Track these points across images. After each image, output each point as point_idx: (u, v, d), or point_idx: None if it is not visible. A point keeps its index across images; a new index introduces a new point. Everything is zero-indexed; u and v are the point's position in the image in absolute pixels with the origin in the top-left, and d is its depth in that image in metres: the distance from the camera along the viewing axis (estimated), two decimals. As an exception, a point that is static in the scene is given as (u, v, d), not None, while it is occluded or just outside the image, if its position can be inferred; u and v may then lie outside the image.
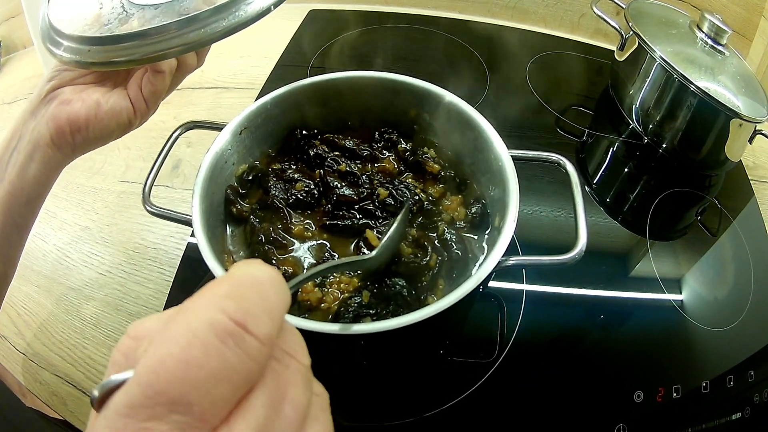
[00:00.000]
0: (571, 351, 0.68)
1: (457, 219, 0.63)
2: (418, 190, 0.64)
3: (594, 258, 0.75)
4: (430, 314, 0.48)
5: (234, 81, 1.04)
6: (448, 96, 0.66)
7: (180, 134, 0.65)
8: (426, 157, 0.67)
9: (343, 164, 0.65)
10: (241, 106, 0.98)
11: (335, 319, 0.55)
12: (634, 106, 0.87)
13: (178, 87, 1.04)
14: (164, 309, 0.70)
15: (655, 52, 0.77)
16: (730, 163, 0.85)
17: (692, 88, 0.73)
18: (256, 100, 0.99)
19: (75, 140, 0.50)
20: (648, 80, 0.82)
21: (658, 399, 0.61)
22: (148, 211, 0.60)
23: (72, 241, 0.81)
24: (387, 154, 0.69)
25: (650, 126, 0.85)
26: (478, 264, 0.60)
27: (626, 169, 0.88)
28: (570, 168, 0.61)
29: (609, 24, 0.88)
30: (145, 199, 0.60)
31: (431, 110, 0.68)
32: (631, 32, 0.83)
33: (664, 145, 0.84)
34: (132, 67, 0.52)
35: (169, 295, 0.72)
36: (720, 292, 0.74)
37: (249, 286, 0.22)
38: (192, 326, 0.19)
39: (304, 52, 1.08)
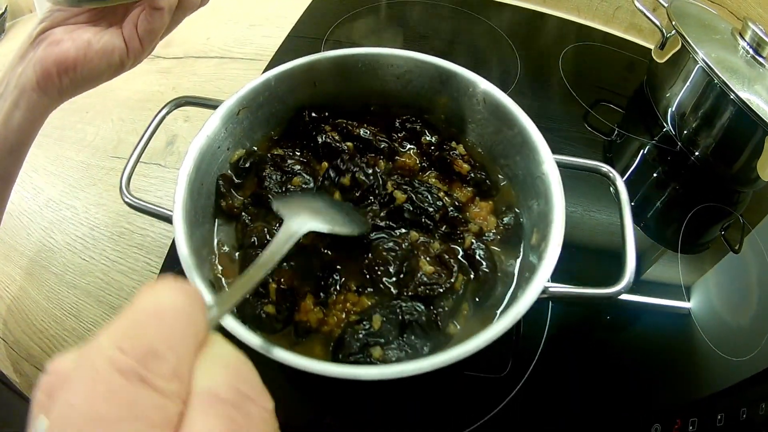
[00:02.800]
0: (594, 373, 0.57)
1: (486, 229, 0.51)
2: (441, 194, 0.50)
3: (610, 259, 0.65)
4: (453, 360, 0.37)
5: (241, 51, 0.89)
6: (487, 86, 0.52)
7: (168, 112, 0.53)
8: (454, 153, 0.53)
9: (347, 177, 0.52)
10: (247, 78, 0.84)
11: (338, 345, 0.43)
12: (670, 109, 0.78)
13: (179, 56, 0.93)
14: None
15: (698, 54, 0.70)
16: (761, 182, 0.75)
17: (732, 96, 0.66)
18: (263, 72, 0.87)
19: (62, 82, 0.45)
20: (688, 84, 0.74)
21: (675, 432, 0.53)
22: (125, 203, 0.48)
23: (57, 220, 0.69)
24: (408, 146, 0.56)
25: (685, 132, 0.76)
26: (510, 288, 0.47)
27: (655, 174, 0.78)
28: (620, 185, 0.49)
29: (652, 21, 0.79)
30: (123, 189, 0.48)
31: (464, 100, 0.54)
32: (674, 32, 0.75)
33: (696, 153, 0.76)
34: (126, 3, 0.45)
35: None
36: (742, 319, 0.64)
37: (150, 318, 0.19)
38: (95, 365, 0.17)
39: (319, 23, 0.93)
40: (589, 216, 0.69)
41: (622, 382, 0.56)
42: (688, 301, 0.63)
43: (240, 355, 0.21)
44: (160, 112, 0.51)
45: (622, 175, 0.75)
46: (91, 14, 0.47)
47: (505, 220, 0.51)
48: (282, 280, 0.45)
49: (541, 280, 0.41)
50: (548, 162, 0.47)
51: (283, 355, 0.37)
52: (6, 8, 1.01)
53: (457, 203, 0.51)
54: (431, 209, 0.49)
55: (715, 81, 0.67)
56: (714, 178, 0.76)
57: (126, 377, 0.17)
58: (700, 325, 0.61)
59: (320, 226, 0.42)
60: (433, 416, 0.52)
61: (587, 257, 0.66)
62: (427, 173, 0.55)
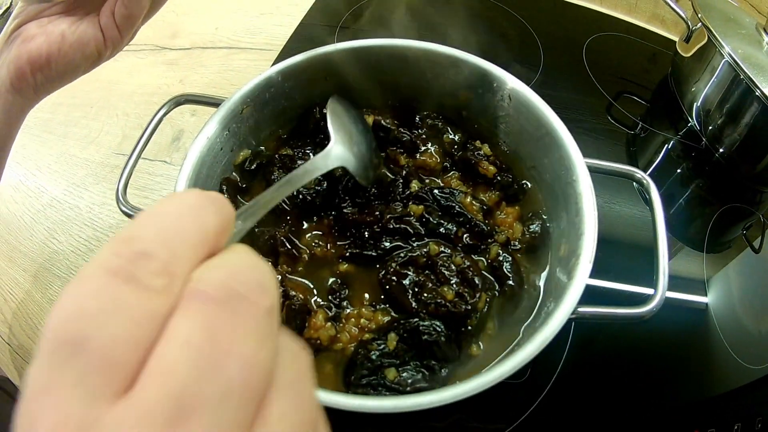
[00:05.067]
0: (614, 385, 0.54)
1: (513, 238, 0.46)
2: (467, 200, 0.45)
3: (634, 255, 0.63)
4: (474, 391, 0.33)
5: (250, 41, 0.84)
6: (513, 82, 0.47)
7: (166, 113, 0.48)
8: (479, 154, 0.48)
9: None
10: (257, 69, 0.80)
11: (350, 367, 0.39)
12: (695, 104, 0.75)
13: (187, 47, 0.88)
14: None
15: (724, 48, 0.67)
16: (784, 183, 0.71)
17: (758, 93, 0.63)
18: (273, 63, 0.82)
19: (36, 80, 0.42)
20: (713, 79, 0.71)
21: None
22: (123, 212, 0.44)
23: (60, 221, 0.66)
24: (429, 145, 0.51)
25: (710, 128, 0.73)
26: (537, 302, 0.43)
27: (678, 170, 0.74)
28: (654, 194, 0.44)
29: (677, 13, 0.76)
30: (120, 197, 0.43)
31: (488, 96, 0.49)
32: (700, 24, 0.72)
33: (721, 150, 0.73)
34: None
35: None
36: (764, 326, 0.60)
37: (152, 218, 0.17)
38: (88, 270, 0.16)
39: (333, 10, 0.87)
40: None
41: (640, 389, 0.53)
42: (709, 302, 0.60)
43: (251, 258, 0.18)
44: (158, 112, 0.47)
45: (645, 170, 0.73)
46: (67, 4, 0.43)
47: (532, 227, 0.46)
48: (294, 292, 0.41)
49: (570, 303, 0.36)
50: (580, 167, 0.42)
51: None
52: (11, 3, 0.97)
53: (484, 207, 0.46)
54: (453, 226, 0.44)
55: (742, 77, 0.64)
56: (738, 177, 0.73)
57: (114, 275, 0.15)
58: (722, 332, 0.57)
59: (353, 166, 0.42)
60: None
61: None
62: (449, 174, 0.50)
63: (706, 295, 0.61)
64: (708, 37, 0.69)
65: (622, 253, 0.62)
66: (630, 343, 0.56)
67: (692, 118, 0.76)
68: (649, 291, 0.57)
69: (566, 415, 0.51)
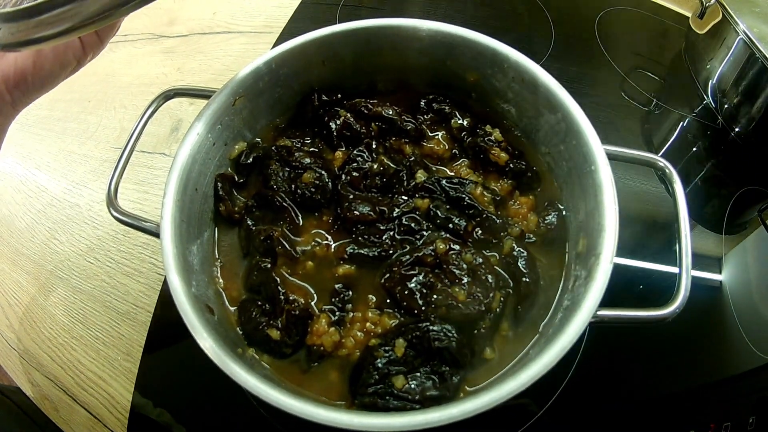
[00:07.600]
0: (626, 382, 0.51)
1: (528, 230, 0.42)
2: (478, 190, 0.41)
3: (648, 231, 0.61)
4: (486, 407, 0.30)
5: (249, 24, 0.80)
6: (525, 62, 0.42)
7: (156, 109, 0.44)
8: (489, 140, 0.44)
9: (373, 162, 0.43)
10: (255, 53, 0.75)
11: (355, 376, 0.36)
12: (711, 82, 0.72)
13: (184, 33, 0.84)
14: (153, 315, 0.53)
15: (739, 26, 0.64)
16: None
17: None
18: (273, 45, 0.78)
19: (14, 97, 0.40)
20: (729, 56, 0.68)
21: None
22: (113, 216, 0.40)
23: (61, 220, 0.64)
24: (436, 131, 0.47)
25: (726, 106, 0.71)
26: (554, 300, 0.39)
27: (694, 149, 0.71)
28: (678, 186, 0.40)
29: None
30: (111, 201, 0.40)
31: (498, 78, 0.44)
32: (713, 1, 0.69)
33: (737, 130, 0.70)
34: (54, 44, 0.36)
35: (160, 293, 0.54)
36: None
37: None
38: None
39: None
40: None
41: (655, 375, 0.51)
42: (725, 283, 0.58)
43: None
44: (146, 110, 0.43)
45: (659, 149, 0.70)
46: None
47: (548, 218, 0.42)
48: (293, 299, 0.38)
49: (589, 308, 0.33)
50: (599, 156, 0.38)
51: (282, 399, 0.30)
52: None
53: (496, 198, 0.42)
54: (462, 221, 0.40)
55: (758, 56, 0.61)
56: (754, 157, 0.70)
57: None
58: (738, 319, 0.54)
59: None
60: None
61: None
62: (458, 162, 0.45)
63: (721, 274, 0.58)
64: (722, 14, 0.66)
65: (636, 229, 0.60)
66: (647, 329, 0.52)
67: (708, 96, 0.73)
68: (662, 268, 0.56)
69: (582, 406, 0.48)
